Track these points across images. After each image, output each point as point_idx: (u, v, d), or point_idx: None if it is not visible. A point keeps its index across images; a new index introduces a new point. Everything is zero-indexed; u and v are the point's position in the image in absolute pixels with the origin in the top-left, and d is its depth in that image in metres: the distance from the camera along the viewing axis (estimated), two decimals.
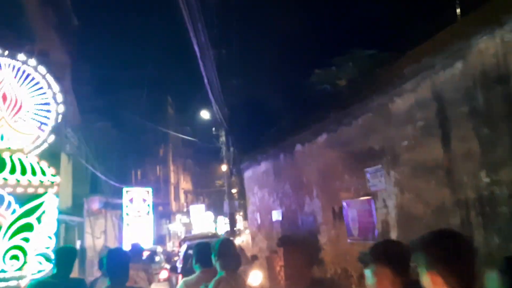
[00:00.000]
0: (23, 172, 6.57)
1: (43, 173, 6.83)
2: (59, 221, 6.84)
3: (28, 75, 6.83)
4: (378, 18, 10.04)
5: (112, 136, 27.21)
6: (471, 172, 5.18)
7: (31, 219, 6.59)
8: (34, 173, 6.70)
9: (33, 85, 6.89)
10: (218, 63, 14.54)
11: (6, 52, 6.58)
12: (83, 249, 18.16)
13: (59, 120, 7.05)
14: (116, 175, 25.23)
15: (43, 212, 6.75)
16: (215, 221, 45.45)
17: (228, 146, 18.76)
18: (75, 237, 17.87)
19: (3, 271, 6.19)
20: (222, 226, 45.80)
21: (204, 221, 42.42)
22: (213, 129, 19.33)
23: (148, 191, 25.81)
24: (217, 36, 12.56)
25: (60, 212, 6.94)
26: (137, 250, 6.83)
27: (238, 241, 15.83)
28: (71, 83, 17.40)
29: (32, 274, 6.50)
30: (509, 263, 1.66)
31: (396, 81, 7.20)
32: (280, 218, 13.09)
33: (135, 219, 23.76)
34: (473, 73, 5.05)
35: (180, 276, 10.42)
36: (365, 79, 9.10)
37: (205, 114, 20.28)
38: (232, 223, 18.29)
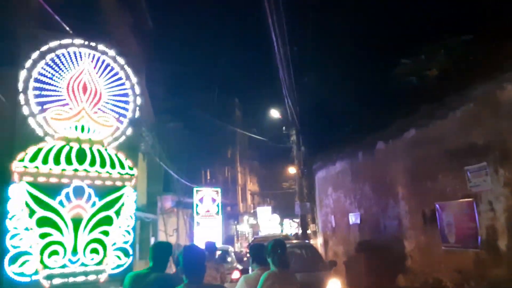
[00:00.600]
0: (103, 164, 6.46)
1: (122, 166, 6.69)
2: (135, 217, 6.65)
3: (107, 66, 6.74)
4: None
5: (183, 136, 27.61)
6: None
7: (110, 213, 6.46)
8: (113, 165, 6.58)
9: (112, 76, 6.79)
10: (292, 59, 14.00)
11: (87, 42, 6.53)
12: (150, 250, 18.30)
13: (137, 112, 6.90)
14: (187, 175, 25.54)
15: (122, 205, 6.61)
16: (281, 224, 45.02)
17: (299, 146, 18.09)
18: (150, 233, 18.17)
19: (83, 264, 6.09)
20: (288, 228, 45.33)
21: (270, 223, 42.22)
22: (283, 128, 18.76)
23: (217, 191, 25.90)
24: (291, 31, 12.03)
25: (136, 209, 6.79)
26: (211, 248, 6.63)
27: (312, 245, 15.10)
28: (145, 83, 17.73)
29: (111, 268, 6.36)
30: None
31: (508, 65, 6.24)
32: (358, 222, 12.24)
33: (205, 218, 23.96)
34: None
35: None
36: (464, 66, 8.07)
37: (274, 113, 19.81)
38: (304, 225, 17.60)
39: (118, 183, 6.60)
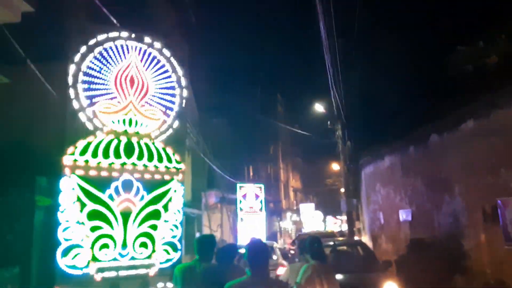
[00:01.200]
0: (150, 158, 6.42)
1: (169, 159, 6.63)
2: (183, 214, 6.58)
3: (153, 58, 6.70)
4: None
5: (226, 132, 27.71)
6: None
7: (158, 207, 6.42)
8: (160, 159, 6.53)
9: (158, 68, 6.74)
10: (339, 51, 13.57)
11: (133, 35, 6.50)
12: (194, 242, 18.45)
13: (184, 105, 6.81)
14: (230, 171, 25.62)
15: (170, 199, 6.55)
16: (324, 221, 44.57)
17: (344, 141, 17.59)
18: (195, 229, 18.36)
19: (133, 258, 6.08)
20: (331, 225, 44.74)
21: (313, 220, 41.85)
22: (328, 122, 18.31)
23: (260, 188, 25.79)
24: (339, 21, 11.64)
25: (184, 206, 6.74)
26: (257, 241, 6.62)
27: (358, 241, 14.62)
28: (189, 79, 17.82)
29: (160, 263, 6.32)
30: None
31: None
32: (410, 219, 11.69)
33: (249, 214, 23.92)
34: None
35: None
36: None
37: (319, 107, 19.39)
38: (351, 222, 17.13)
39: (166, 177, 6.55)
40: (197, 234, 18.97)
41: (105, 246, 5.88)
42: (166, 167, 6.54)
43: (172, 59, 6.78)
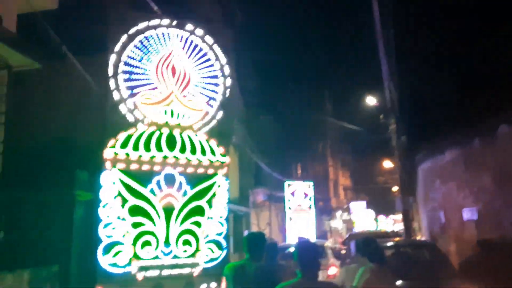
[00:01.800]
0: (193, 151, 6.08)
1: (213, 152, 6.26)
2: (228, 209, 6.19)
3: (195, 46, 6.35)
4: None
5: (274, 129, 27.28)
6: None
7: (202, 202, 6.07)
8: (203, 152, 6.18)
9: (201, 57, 6.40)
10: (392, 41, 12.73)
11: (175, 22, 6.18)
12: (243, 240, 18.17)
13: (227, 95, 6.42)
14: (278, 169, 25.22)
15: (214, 195, 6.18)
16: (375, 220, 43.20)
17: (399, 135, 16.57)
18: (243, 227, 18.07)
19: (176, 256, 5.76)
20: (383, 225, 43.23)
21: (365, 219, 40.61)
22: (381, 117, 17.35)
23: (309, 185, 25.22)
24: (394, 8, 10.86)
25: (229, 201, 6.38)
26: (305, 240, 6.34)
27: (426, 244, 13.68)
28: (233, 68, 17.52)
29: (205, 262, 5.96)
30: None
31: None
32: (475, 218, 10.67)
33: (297, 213, 23.45)
34: None
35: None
36: None
37: (371, 101, 18.46)
38: (407, 221, 16.11)
39: (210, 171, 6.19)
40: (245, 232, 18.69)
41: (147, 243, 5.60)
42: (209, 160, 6.18)
43: (214, 46, 6.42)
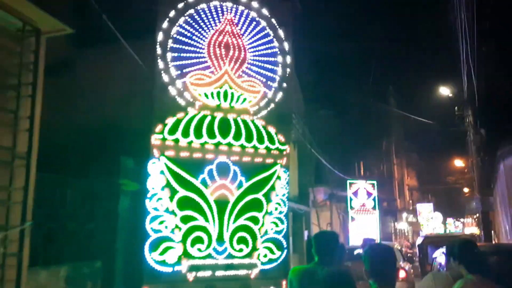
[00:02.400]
0: (249, 137, 5.43)
1: (271, 140, 5.57)
2: (288, 207, 5.47)
3: (252, 21, 5.69)
4: None
5: (334, 125, 26.23)
6: None
7: (259, 196, 5.41)
8: (261, 139, 5.50)
9: (257, 32, 5.72)
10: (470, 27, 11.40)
11: None
12: (310, 240, 17.41)
13: (287, 74, 5.70)
14: (339, 167, 24.26)
15: (272, 187, 5.49)
16: (444, 222, 40.82)
17: (477, 129, 14.98)
18: (303, 227, 17.32)
19: (230, 256, 5.14)
20: (452, 228, 40.90)
21: (432, 221, 38.49)
22: (455, 108, 15.82)
23: (373, 184, 24.05)
24: None
25: (288, 199, 5.67)
26: (371, 241, 5.93)
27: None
28: (294, 69, 16.82)
29: (262, 263, 5.28)
30: None
31: None
32: None
33: (360, 213, 22.48)
34: None
35: None
36: None
37: (444, 91, 16.90)
38: (487, 224, 14.51)
39: (267, 161, 5.50)
40: (305, 233, 17.94)
41: (199, 240, 5.02)
42: (267, 148, 5.49)
43: (273, 20, 5.70)
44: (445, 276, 3.60)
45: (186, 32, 5.36)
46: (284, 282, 5.41)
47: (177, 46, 5.28)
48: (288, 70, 5.72)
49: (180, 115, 5.16)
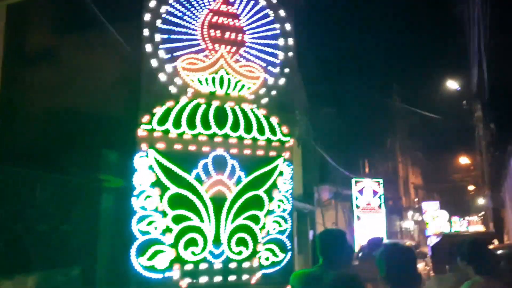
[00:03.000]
0: (248, 128, 4.92)
1: (273, 131, 5.05)
2: (292, 205, 4.96)
3: (249, 0, 5.13)
4: None
5: (338, 123, 25.82)
6: None
7: (260, 192, 4.89)
8: (261, 130, 4.98)
9: (256, 13, 5.18)
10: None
11: None
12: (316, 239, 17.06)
13: (290, 58, 5.18)
14: (344, 166, 23.92)
15: (274, 183, 4.97)
16: (449, 221, 40.65)
17: (486, 123, 14.46)
18: (307, 226, 16.91)
19: (229, 259, 4.62)
20: (457, 227, 40.63)
21: (438, 219, 38.28)
22: (464, 103, 15.30)
23: (378, 183, 23.82)
24: None
25: (292, 198, 5.16)
26: (376, 242, 6.28)
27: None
28: (297, 66, 16.40)
29: (264, 267, 4.77)
30: None
31: None
32: None
33: (366, 211, 22.27)
34: None
35: None
36: None
37: (452, 85, 16.34)
38: (498, 222, 13.97)
39: (269, 154, 4.99)
40: (311, 233, 17.52)
41: (193, 242, 4.50)
42: (268, 140, 4.97)
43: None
44: (449, 278, 3.39)
45: (176, 12, 4.84)
46: None
47: (167, 27, 4.76)
48: (290, 54, 5.19)
49: (170, 103, 4.64)
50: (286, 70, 5.17)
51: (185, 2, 4.88)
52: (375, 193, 23.29)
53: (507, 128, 14.16)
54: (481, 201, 38.40)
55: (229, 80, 4.92)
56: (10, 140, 3.01)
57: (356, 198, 22.85)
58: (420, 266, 10.55)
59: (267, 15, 5.18)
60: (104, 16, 5.00)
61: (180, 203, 4.50)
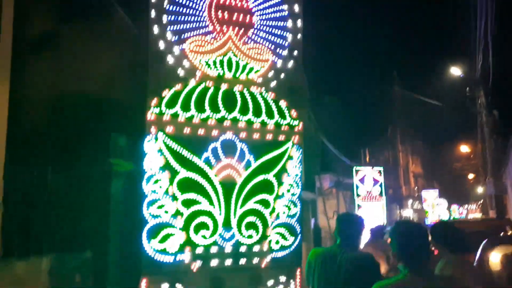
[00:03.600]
0: (257, 112, 4.86)
1: (282, 115, 5.01)
2: (301, 190, 4.95)
3: None
4: None
5: (339, 112, 25.75)
6: None
7: (269, 176, 4.86)
8: (270, 114, 4.94)
9: None
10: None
11: None
12: (317, 228, 17.05)
13: (299, 39, 5.11)
14: (345, 155, 23.92)
15: (283, 168, 4.93)
16: (448, 209, 40.97)
17: (490, 110, 14.44)
18: (309, 215, 16.88)
19: (239, 243, 4.61)
20: (456, 215, 40.89)
21: (437, 208, 38.54)
22: (467, 90, 15.24)
23: (379, 171, 23.72)
24: None
25: (301, 182, 5.14)
26: (378, 230, 6.27)
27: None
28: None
29: (274, 250, 4.76)
30: None
31: None
32: None
33: (367, 200, 22.24)
34: None
35: None
36: None
37: (455, 71, 16.25)
38: (501, 209, 13.99)
39: (278, 138, 4.94)
40: (312, 221, 17.55)
41: (203, 226, 4.47)
42: (277, 123, 4.93)
43: None
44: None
45: None
46: (298, 271, 4.90)
47: (174, 8, 4.67)
48: (299, 36, 5.12)
49: (178, 86, 4.58)
50: (295, 53, 5.10)
51: None
52: (375, 181, 23.22)
53: (510, 115, 14.10)
54: (480, 189, 38.57)
55: (237, 62, 4.85)
56: (20, 125, 2.98)
57: (357, 187, 22.81)
58: None
59: None
60: None
61: (190, 187, 4.46)
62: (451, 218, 35.50)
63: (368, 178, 22.47)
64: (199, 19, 4.77)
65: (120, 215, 4.92)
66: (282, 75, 5.04)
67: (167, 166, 4.41)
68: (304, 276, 3.59)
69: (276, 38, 5.05)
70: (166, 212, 4.33)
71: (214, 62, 4.77)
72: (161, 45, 4.59)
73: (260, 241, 4.71)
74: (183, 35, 4.67)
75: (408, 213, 39.12)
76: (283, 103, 5.03)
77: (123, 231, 4.88)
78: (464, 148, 38.11)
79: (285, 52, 5.07)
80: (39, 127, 4.64)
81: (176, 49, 4.63)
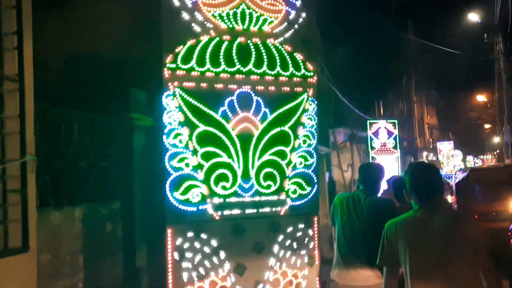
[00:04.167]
0: (272, 65, 4.88)
1: (297, 67, 5.01)
2: (317, 141, 5.05)
3: None
4: None
5: (352, 64, 25.32)
6: None
7: (285, 128, 4.95)
8: (285, 66, 4.95)
9: None
10: None
11: None
12: (332, 181, 17.31)
13: None
14: (358, 107, 23.71)
15: (298, 120, 5.01)
16: (464, 160, 40.79)
17: (508, 56, 14.07)
18: (324, 168, 17.08)
19: (258, 193, 4.79)
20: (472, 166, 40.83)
21: (452, 159, 38.44)
22: (485, 35, 14.79)
23: (393, 124, 23.56)
24: None
25: (317, 133, 5.22)
26: (397, 178, 5.75)
27: None
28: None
29: (292, 200, 4.93)
30: None
31: None
32: None
33: (381, 153, 22.15)
34: None
35: None
36: None
37: (473, 17, 15.72)
38: None
39: (293, 90, 4.99)
40: (327, 174, 17.75)
41: (223, 177, 4.63)
42: (292, 75, 4.95)
43: None
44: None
45: None
46: (315, 219, 5.09)
47: None
48: None
49: (192, 41, 4.60)
50: (308, 1, 5.04)
51: None
52: (390, 134, 23.04)
53: None
54: (496, 139, 38.14)
55: (250, 14, 4.81)
56: (45, 83, 3.09)
57: (371, 140, 22.71)
58: None
59: None
60: None
61: (209, 141, 4.58)
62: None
63: (382, 131, 22.34)
64: None
65: (142, 168, 5.11)
66: (296, 27, 5.01)
67: (186, 121, 4.52)
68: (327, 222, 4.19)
69: None
70: (187, 165, 4.49)
71: (228, 15, 4.75)
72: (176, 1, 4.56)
73: (278, 191, 4.87)
74: None
75: None
76: (297, 56, 5.03)
77: (146, 183, 5.08)
78: (481, 97, 37.38)
79: (298, 2, 5.00)
80: (62, 84, 4.76)
81: (189, 2, 4.60)
